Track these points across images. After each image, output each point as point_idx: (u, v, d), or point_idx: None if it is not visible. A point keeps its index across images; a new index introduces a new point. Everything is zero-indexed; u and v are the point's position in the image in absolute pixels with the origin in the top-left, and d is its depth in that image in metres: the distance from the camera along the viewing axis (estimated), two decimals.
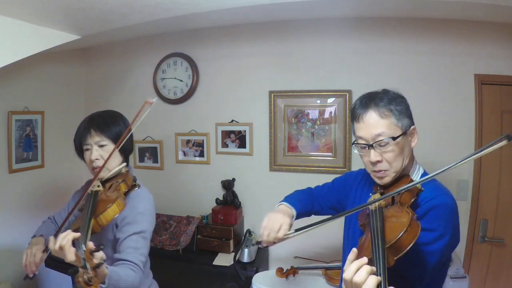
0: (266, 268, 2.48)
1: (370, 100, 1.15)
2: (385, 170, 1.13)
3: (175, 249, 2.43)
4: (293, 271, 2.17)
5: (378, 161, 1.12)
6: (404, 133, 1.12)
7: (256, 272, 2.21)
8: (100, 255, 1.02)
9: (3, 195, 2.43)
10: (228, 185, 2.58)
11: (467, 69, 2.18)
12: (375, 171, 1.16)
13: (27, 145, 2.60)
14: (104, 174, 1.41)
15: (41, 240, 1.42)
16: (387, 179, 1.15)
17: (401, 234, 0.86)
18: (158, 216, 2.66)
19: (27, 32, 1.93)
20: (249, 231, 2.48)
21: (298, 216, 1.40)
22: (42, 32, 2.03)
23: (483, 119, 2.17)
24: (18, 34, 1.90)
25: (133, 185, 1.42)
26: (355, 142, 1.19)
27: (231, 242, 2.41)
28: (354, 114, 1.18)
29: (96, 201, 1.29)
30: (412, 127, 1.16)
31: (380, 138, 1.10)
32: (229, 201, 2.56)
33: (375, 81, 2.29)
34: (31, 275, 1.34)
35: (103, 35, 2.45)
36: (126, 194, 1.39)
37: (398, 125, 1.11)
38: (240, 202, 2.58)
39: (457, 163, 0.86)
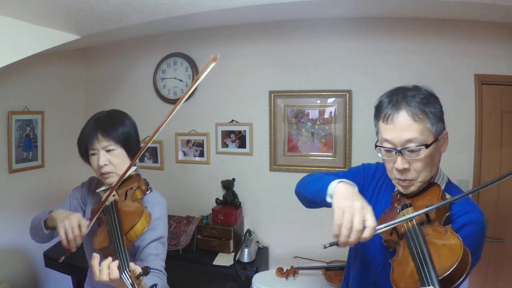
0: (266, 268, 2.48)
1: (402, 98, 1.00)
2: (411, 180, 1.02)
3: (175, 249, 2.43)
4: (293, 271, 2.17)
5: (405, 169, 1.00)
6: (436, 139, 1.00)
7: (256, 272, 2.21)
8: (145, 281, 0.97)
9: (3, 195, 2.43)
10: (228, 185, 2.58)
11: (467, 69, 2.18)
12: (399, 179, 1.04)
13: (27, 145, 2.60)
14: (113, 180, 1.33)
15: (67, 211, 1.27)
16: (412, 189, 1.03)
17: (455, 265, 0.75)
18: None
19: (27, 32, 1.93)
20: (249, 231, 2.48)
21: None
22: (42, 32, 2.03)
23: (483, 119, 2.17)
24: (18, 34, 1.90)
25: (147, 189, 1.37)
26: (380, 145, 1.05)
27: (231, 242, 2.41)
28: (380, 113, 1.05)
29: (119, 215, 1.20)
30: (445, 131, 1.04)
31: (411, 145, 0.97)
32: (229, 201, 2.56)
33: (375, 81, 2.30)
34: (74, 250, 1.20)
35: (103, 35, 2.45)
36: (141, 200, 1.32)
37: (432, 130, 0.99)
38: (240, 202, 2.58)
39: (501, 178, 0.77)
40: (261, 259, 2.40)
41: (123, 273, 0.97)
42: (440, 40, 2.21)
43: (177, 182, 2.82)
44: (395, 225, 0.94)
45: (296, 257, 2.39)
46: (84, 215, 1.49)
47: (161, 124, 1.24)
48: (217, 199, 2.57)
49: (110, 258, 1.02)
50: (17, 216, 2.49)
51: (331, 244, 0.94)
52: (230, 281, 2.16)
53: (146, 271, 0.97)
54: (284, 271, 2.17)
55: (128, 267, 0.99)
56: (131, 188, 1.32)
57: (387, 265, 1.06)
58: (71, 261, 2.33)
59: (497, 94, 2.18)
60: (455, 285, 0.77)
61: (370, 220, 0.89)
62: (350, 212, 0.90)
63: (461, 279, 0.76)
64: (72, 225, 1.15)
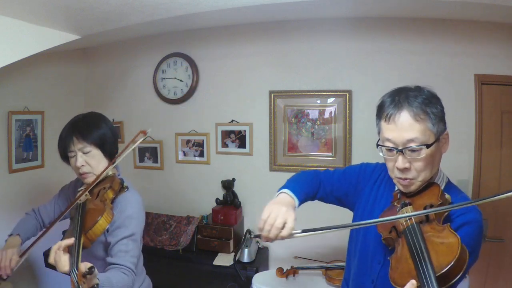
0: (266, 268, 2.48)
1: (404, 98, 1.02)
2: (411, 179, 1.04)
3: (175, 249, 2.43)
4: (293, 271, 2.17)
5: (406, 169, 1.02)
6: (437, 140, 1.02)
7: (256, 272, 2.21)
8: (92, 279, 1.04)
9: (3, 195, 2.43)
10: (228, 185, 2.58)
11: (467, 69, 2.18)
12: (400, 178, 1.06)
13: (27, 145, 2.60)
14: (91, 179, 1.42)
15: (17, 241, 1.44)
16: (412, 188, 1.05)
17: (452, 263, 0.77)
18: (158, 216, 2.67)
19: (27, 32, 1.93)
20: (249, 231, 2.48)
21: (300, 205, 1.22)
22: (42, 32, 2.02)
23: (483, 119, 2.17)
24: (18, 34, 1.89)
25: (121, 189, 1.42)
26: (381, 144, 1.07)
27: (231, 242, 2.41)
28: (382, 112, 1.06)
29: (84, 213, 1.29)
30: (446, 131, 1.05)
31: (412, 144, 0.99)
32: (229, 201, 2.56)
33: (375, 81, 2.30)
34: (5, 277, 1.36)
35: (103, 35, 2.45)
36: (114, 199, 1.39)
37: (433, 130, 1.00)
38: (240, 202, 2.58)
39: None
40: (261, 259, 2.40)
41: (72, 270, 1.08)
42: (440, 40, 2.21)
43: (177, 182, 2.82)
44: (374, 223, 1.01)
45: (296, 257, 2.39)
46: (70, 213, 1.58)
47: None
48: (217, 199, 2.57)
49: (59, 242, 1.14)
50: (17, 216, 2.47)
51: (255, 236, 1.13)
52: (230, 281, 2.16)
53: (91, 271, 1.03)
54: (284, 271, 2.17)
55: (77, 265, 1.07)
56: (104, 188, 1.38)
57: (387, 263, 1.07)
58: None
59: (497, 94, 2.18)
60: (452, 282, 0.78)
61: (290, 222, 1.04)
62: (275, 212, 1.05)
63: (458, 277, 0.78)
64: (7, 256, 1.34)
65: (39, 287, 2.69)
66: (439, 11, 2.05)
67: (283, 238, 1.04)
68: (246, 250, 2.31)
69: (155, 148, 2.86)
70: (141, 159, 2.90)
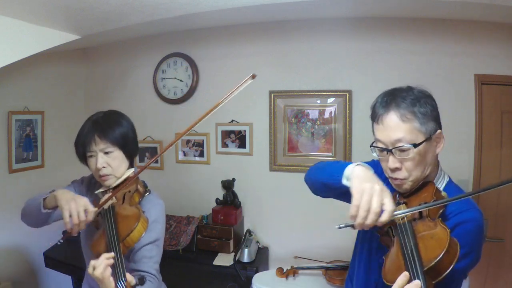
0: (266, 268, 2.48)
1: (392, 99, 1.03)
2: (402, 179, 1.03)
3: (175, 249, 2.43)
4: (293, 271, 2.17)
5: (397, 168, 1.02)
6: (428, 139, 1.01)
7: (256, 272, 2.21)
8: None
9: (3, 195, 2.43)
10: (228, 185, 2.58)
11: (467, 69, 2.18)
12: (392, 178, 1.06)
13: (27, 145, 2.60)
14: (112, 182, 1.33)
15: (72, 192, 1.22)
16: (405, 187, 1.05)
17: (441, 256, 0.77)
18: None
19: (27, 32, 1.93)
20: (249, 231, 2.48)
21: None
22: (42, 32, 2.03)
23: (483, 119, 2.17)
24: (18, 34, 1.90)
25: (145, 191, 1.35)
26: (374, 145, 1.08)
27: (231, 242, 2.41)
28: (374, 114, 1.07)
29: (116, 220, 1.19)
30: (438, 131, 1.04)
31: (400, 144, 0.99)
32: (229, 201, 2.56)
33: (375, 81, 2.30)
34: (75, 234, 1.17)
35: (103, 35, 2.45)
36: (140, 203, 1.32)
37: (421, 130, 1.00)
38: (240, 202, 2.58)
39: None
40: (261, 259, 2.40)
41: (119, 282, 0.98)
42: (440, 40, 2.21)
43: (177, 182, 2.82)
44: (410, 213, 0.94)
45: (296, 257, 2.39)
46: None
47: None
48: (217, 199, 2.57)
49: (102, 258, 1.02)
50: (17, 216, 2.46)
51: (347, 225, 0.94)
52: (230, 281, 2.16)
53: (142, 282, 0.98)
54: (284, 271, 2.17)
55: (125, 276, 1.00)
56: (129, 191, 1.30)
57: None
58: (71, 261, 2.34)
59: (497, 94, 2.18)
60: (443, 275, 0.78)
61: (388, 204, 0.89)
62: (369, 194, 0.90)
63: (449, 269, 0.77)
64: (79, 209, 1.11)
65: (39, 287, 2.69)
66: (439, 11, 2.05)
67: (382, 224, 0.90)
68: (246, 250, 2.31)
69: (155, 148, 2.86)
70: (141, 159, 2.90)
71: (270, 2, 1.87)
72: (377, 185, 0.92)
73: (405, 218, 0.93)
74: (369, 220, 0.89)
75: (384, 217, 0.88)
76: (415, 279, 0.75)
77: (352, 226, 0.93)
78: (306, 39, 2.44)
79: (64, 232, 1.22)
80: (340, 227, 0.94)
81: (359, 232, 1.30)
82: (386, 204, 0.89)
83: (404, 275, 0.79)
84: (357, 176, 0.98)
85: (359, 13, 2.24)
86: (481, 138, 2.17)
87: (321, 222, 2.30)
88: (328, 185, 1.12)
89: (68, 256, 2.41)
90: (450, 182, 1.12)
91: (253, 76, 1.26)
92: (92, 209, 1.14)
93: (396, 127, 1.00)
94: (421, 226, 0.92)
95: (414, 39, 2.24)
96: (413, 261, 0.80)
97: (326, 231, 2.34)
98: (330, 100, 2.42)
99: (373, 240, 1.17)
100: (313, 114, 2.46)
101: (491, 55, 2.14)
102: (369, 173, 0.99)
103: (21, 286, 2.50)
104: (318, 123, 2.45)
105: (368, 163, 1.27)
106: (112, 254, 1.04)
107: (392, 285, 0.83)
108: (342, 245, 2.18)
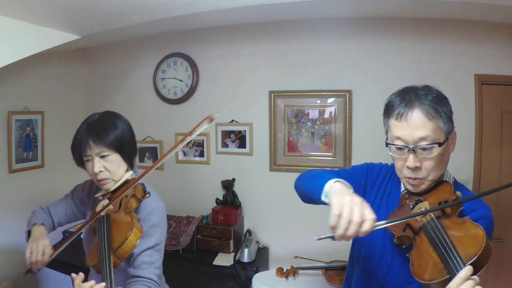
0: (266, 268, 2.48)
1: (415, 97, 1.01)
2: (421, 178, 1.02)
3: (175, 249, 2.43)
4: (293, 271, 2.17)
5: (417, 167, 1.00)
6: (447, 138, 1.01)
7: (256, 272, 2.21)
8: None
9: (3, 195, 2.43)
10: (228, 185, 2.58)
11: (467, 69, 2.18)
12: (409, 178, 1.04)
13: (27, 145, 2.60)
14: (110, 185, 1.31)
15: (43, 232, 1.29)
16: (422, 187, 1.04)
17: (480, 252, 0.78)
18: None
19: (27, 32, 1.93)
20: (249, 231, 2.48)
21: None
22: (42, 32, 2.03)
23: (483, 119, 2.17)
24: (18, 34, 1.90)
25: (143, 196, 1.30)
26: (390, 143, 1.05)
27: (231, 242, 2.41)
28: (392, 111, 1.04)
29: (109, 228, 1.17)
30: (454, 131, 1.05)
31: (424, 143, 0.98)
32: (229, 201, 2.56)
33: (375, 81, 2.30)
34: (35, 272, 1.22)
35: (103, 35, 2.45)
36: (137, 208, 1.28)
37: (443, 129, 1.00)
38: (240, 202, 2.58)
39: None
40: (261, 259, 2.40)
41: None
42: (440, 40, 2.21)
43: (177, 182, 2.82)
44: (405, 220, 0.96)
45: (296, 257, 2.39)
46: (84, 216, 1.50)
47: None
48: (217, 199, 2.57)
49: (92, 282, 1.02)
50: (17, 216, 2.49)
51: (327, 237, 0.92)
52: (230, 281, 2.16)
53: None
54: (284, 271, 2.17)
55: None
56: (126, 196, 1.26)
57: (394, 265, 1.06)
58: (71, 261, 2.34)
59: (497, 94, 2.18)
60: (480, 271, 0.78)
61: (369, 214, 0.88)
62: (350, 205, 0.89)
63: (485, 267, 0.78)
64: (38, 250, 1.19)
65: (39, 287, 2.69)
66: (439, 11, 2.05)
67: (364, 234, 0.88)
68: (246, 250, 2.31)
69: (155, 148, 2.86)
70: (141, 159, 2.90)
71: (270, 2, 1.87)
72: (357, 197, 0.91)
73: (432, 214, 0.93)
74: (351, 231, 0.87)
75: (366, 226, 0.87)
76: (458, 272, 0.75)
77: (332, 238, 0.91)
78: (306, 39, 2.44)
79: (64, 233, 1.24)
80: (320, 239, 0.93)
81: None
82: (367, 214, 0.88)
83: (469, 269, 0.77)
84: (335, 191, 0.98)
85: (359, 13, 2.24)
86: (481, 138, 2.17)
87: (321, 222, 2.29)
88: (311, 199, 1.12)
89: (68, 256, 2.40)
90: (456, 181, 1.13)
91: (211, 119, 1.25)
92: (49, 252, 1.21)
93: (422, 125, 0.98)
94: (449, 223, 0.91)
95: (414, 39, 2.24)
96: (452, 256, 0.80)
97: (326, 231, 2.33)
98: (330, 100, 2.42)
99: (374, 242, 1.15)
100: (313, 114, 2.46)
101: (491, 55, 2.14)
102: (346, 189, 0.98)
103: (21, 286, 2.50)
104: (318, 123, 2.45)
105: (374, 165, 1.27)
106: (104, 284, 1.02)
107: (430, 283, 0.83)
108: (342, 245, 2.18)
